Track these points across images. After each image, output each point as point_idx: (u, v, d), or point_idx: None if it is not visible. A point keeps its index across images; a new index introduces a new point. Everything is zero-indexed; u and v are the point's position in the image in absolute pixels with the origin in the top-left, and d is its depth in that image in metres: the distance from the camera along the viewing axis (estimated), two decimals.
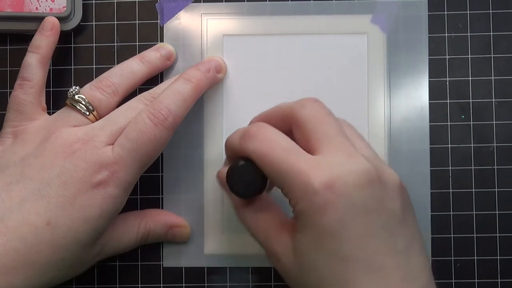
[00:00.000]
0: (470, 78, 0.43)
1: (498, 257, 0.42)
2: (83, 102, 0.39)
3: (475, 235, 0.42)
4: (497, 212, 0.42)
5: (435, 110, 0.43)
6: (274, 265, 0.35)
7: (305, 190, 0.31)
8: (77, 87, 0.39)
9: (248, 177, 0.34)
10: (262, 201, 0.36)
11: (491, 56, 0.43)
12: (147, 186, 0.43)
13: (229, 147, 0.36)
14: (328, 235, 0.31)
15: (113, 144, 0.37)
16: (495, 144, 0.42)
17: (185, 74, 0.39)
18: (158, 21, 0.43)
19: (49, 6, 0.42)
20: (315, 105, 0.34)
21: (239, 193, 0.35)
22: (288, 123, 0.35)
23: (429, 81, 0.43)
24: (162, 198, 0.43)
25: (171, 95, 0.38)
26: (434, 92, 0.43)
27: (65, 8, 0.42)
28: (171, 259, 0.43)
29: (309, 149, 0.33)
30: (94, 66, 0.43)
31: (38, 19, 0.41)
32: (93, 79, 0.40)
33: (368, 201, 0.31)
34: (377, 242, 0.31)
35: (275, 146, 0.33)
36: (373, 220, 0.31)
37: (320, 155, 0.32)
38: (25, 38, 0.43)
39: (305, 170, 0.31)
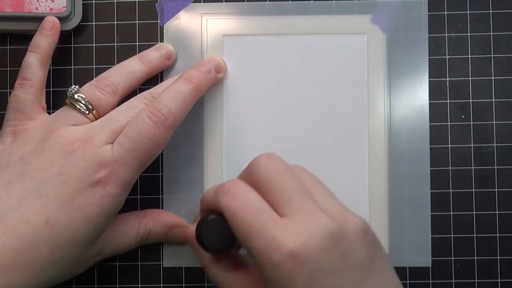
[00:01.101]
0: (470, 78, 0.43)
1: (498, 257, 0.42)
2: (82, 102, 0.39)
3: (475, 235, 0.42)
4: (497, 212, 0.42)
5: (435, 110, 0.43)
6: None
7: (271, 257, 0.31)
8: (77, 86, 0.39)
9: (218, 232, 0.34)
10: (232, 259, 0.36)
11: (491, 56, 0.43)
12: (147, 186, 0.43)
13: (203, 201, 0.36)
14: None
15: (112, 143, 0.37)
16: (495, 144, 0.42)
17: (185, 74, 0.39)
18: (158, 21, 0.43)
19: (49, 6, 0.42)
20: (268, 163, 0.34)
21: (207, 247, 0.34)
22: (253, 182, 0.34)
23: (429, 81, 0.43)
24: (162, 198, 0.43)
25: (172, 94, 0.38)
26: (434, 92, 0.43)
27: (65, 8, 0.42)
28: (171, 259, 0.43)
29: (274, 209, 0.33)
30: (94, 66, 0.43)
31: (38, 19, 0.41)
32: (93, 79, 0.40)
33: (334, 261, 0.31)
34: None
35: (246, 206, 0.32)
36: (341, 278, 0.31)
37: (285, 217, 0.32)
38: (25, 38, 0.43)
39: (272, 237, 0.31)
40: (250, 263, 0.36)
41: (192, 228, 0.37)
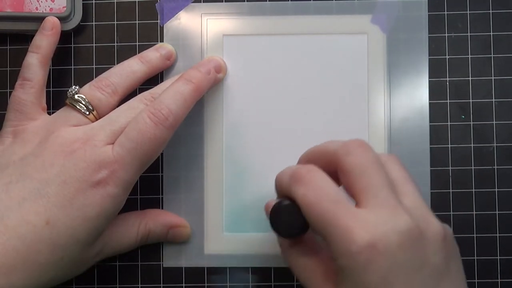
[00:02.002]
0: (470, 78, 0.43)
1: (498, 257, 0.42)
2: (83, 102, 0.39)
3: (475, 235, 0.42)
4: (497, 212, 0.42)
5: (435, 110, 0.43)
6: None
7: (348, 247, 0.30)
8: (77, 87, 0.39)
9: (291, 218, 0.33)
10: (307, 243, 0.36)
11: (491, 56, 0.43)
12: (147, 186, 0.43)
13: (278, 184, 0.36)
14: None
15: (113, 143, 0.37)
16: (495, 144, 0.42)
17: (185, 75, 0.39)
18: (158, 21, 0.43)
19: (49, 6, 0.42)
20: (360, 152, 0.33)
21: (279, 232, 0.34)
22: (333, 166, 0.34)
23: (429, 81, 0.43)
24: (162, 198, 0.43)
25: (172, 95, 0.38)
26: (434, 92, 0.43)
27: (65, 8, 0.42)
28: (171, 259, 0.43)
29: (353, 197, 0.33)
30: (94, 66, 0.43)
31: (38, 19, 0.41)
32: (93, 79, 0.40)
33: (411, 259, 0.31)
34: None
35: (323, 196, 0.32)
36: (416, 277, 0.31)
37: (364, 209, 0.32)
38: (25, 38, 0.43)
39: (350, 227, 0.31)
40: (323, 250, 0.35)
41: (271, 204, 0.36)
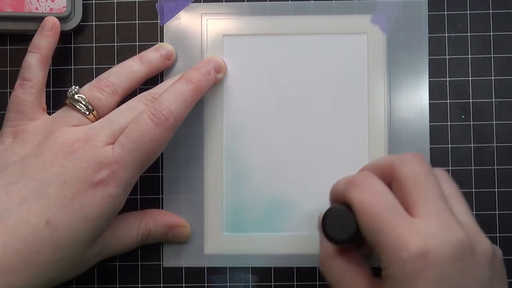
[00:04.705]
0: (470, 78, 0.43)
1: None
2: (82, 102, 0.39)
3: None
4: (497, 212, 0.42)
5: (435, 110, 0.43)
6: None
7: (399, 255, 0.30)
8: (77, 87, 0.39)
9: (343, 223, 0.33)
10: (352, 255, 0.36)
11: (491, 56, 0.43)
12: (147, 186, 0.43)
13: (334, 190, 0.36)
14: None
15: (113, 143, 0.37)
16: (495, 144, 0.42)
17: (186, 75, 0.39)
18: (158, 21, 0.43)
19: (49, 6, 0.42)
20: (416, 163, 0.33)
21: (330, 237, 0.34)
22: (387, 177, 0.34)
23: (429, 81, 0.43)
24: (162, 198, 0.43)
25: (172, 95, 0.38)
26: (434, 92, 0.43)
27: (65, 8, 0.42)
28: (171, 259, 0.43)
29: (406, 208, 0.33)
30: (94, 66, 0.43)
31: (38, 19, 0.41)
32: (93, 79, 0.40)
33: (459, 274, 0.31)
34: None
35: (378, 201, 0.32)
36: None
37: (417, 219, 0.32)
38: (25, 38, 0.43)
39: (403, 234, 0.31)
40: (367, 266, 0.35)
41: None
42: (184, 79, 0.39)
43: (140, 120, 0.37)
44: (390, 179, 0.34)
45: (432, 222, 0.31)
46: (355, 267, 0.35)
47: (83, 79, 0.43)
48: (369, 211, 0.32)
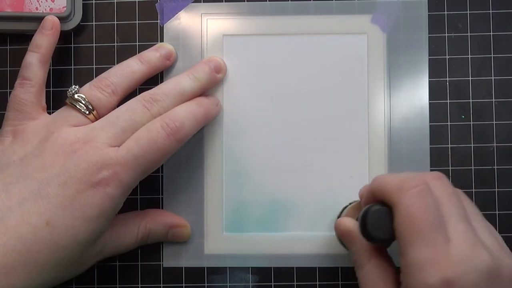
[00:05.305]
0: (470, 78, 0.43)
1: None
2: (82, 102, 0.39)
3: None
4: (497, 212, 0.42)
5: (435, 110, 0.43)
6: None
7: (424, 277, 0.30)
8: (77, 86, 0.39)
9: (385, 223, 0.33)
10: (388, 259, 0.35)
11: (491, 56, 0.43)
12: (147, 186, 0.43)
13: (381, 185, 0.35)
14: None
15: (115, 145, 0.37)
16: (495, 144, 0.42)
17: (197, 100, 0.40)
18: (158, 21, 0.43)
19: (49, 6, 0.42)
20: (437, 184, 0.33)
21: (369, 235, 0.34)
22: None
23: (429, 81, 0.43)
24: (162, 198, 0.43)
25: (185, 112, 0.39)
26: (434, 92, 0.43)
27: (65, 8, 0.42)
28: (171, 259, 0.43)
29: None
30: (94, 66, 0.43)
31: (38, 19, 0.41)
32: (93, 79, 0.40)
33: None
34: None
35: (427, 214, 0.31)
36: None
37: (448, 242, 0.31)
38: (25, 38, 0.43)
39: (433, 257, 0.30)
40: (395, 268, 0.35)
41: (345, 221, 0.37)
42: (196, 103, 0.40)
43: (152, 129, 0.37)
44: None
45: (460, 246, 0.31)
46: (389, 271, 0.35)
47: (83, 79, 0.43)
48: (414, 220, 0.31)
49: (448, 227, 0.31)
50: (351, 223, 0.37)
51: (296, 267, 0.42)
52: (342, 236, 0.38)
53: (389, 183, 0.34)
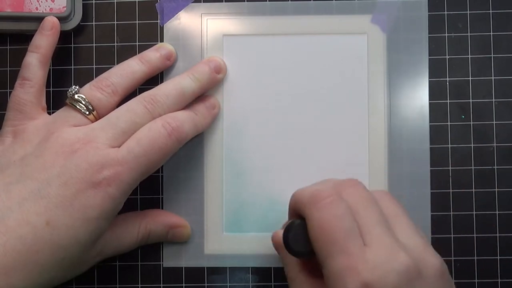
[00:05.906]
0: (470, 78, 0.43)
1: (498, 257, 0.42)
2: (83, 102, 0.39)
3: (475, 235, 0.42)
4: (497, 212, 0.42)
5: (435, 110, 0.43)
6: None
7: (345, 284, 0.31)
8: (77, 87, 0.39)
9: (304, 237, 0.34)
10: (316, 271, 0.36)
11: (491, 56, 0.43)
12: (147, 186, 0.43)
13: (296, 201, 0.35)
14: None
15: (115, 146, 0.37)
16: (495, 144, 0.42)
17: (194, 109, 0.41)
18: (158, 21, 0.43)
19: (49, 6, 0.42)
20: (351, 191, 0.34)
21: (290, 249, 0.34)
22: None
23: (429, 81, 0.43)
24: (162, 198, 0.43)
25: (186, 116, 0.39)
26: (434, 92, 0.43)
27: (65, 8, 0.42)
28: (171, 259, 0.43)
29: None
30: (94, 66, 0.43)
31: (38, 19, 0.41)
32: (93, 79, 0.40)
33: None
34: None
35: (337, 224, 0.32)
36: None
37: (365, 247, 0.32)
38: (25, 38, 0.43)
39: (351, 264, 0.31)
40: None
41: (278, 233, 0.37)
42: (194, 111, 0.40)
43: (153, 128, 0.37)
44: None
45: (376, 250, 0.31)
46: (319, 280, 0.35)
47: (83, 79, 0.43)
48: (325, 232, 0.32)
49: (364, 233, 0.32)
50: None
51: None
52: (276, 249, 0.39)
53: (303, 197, 0.34)
